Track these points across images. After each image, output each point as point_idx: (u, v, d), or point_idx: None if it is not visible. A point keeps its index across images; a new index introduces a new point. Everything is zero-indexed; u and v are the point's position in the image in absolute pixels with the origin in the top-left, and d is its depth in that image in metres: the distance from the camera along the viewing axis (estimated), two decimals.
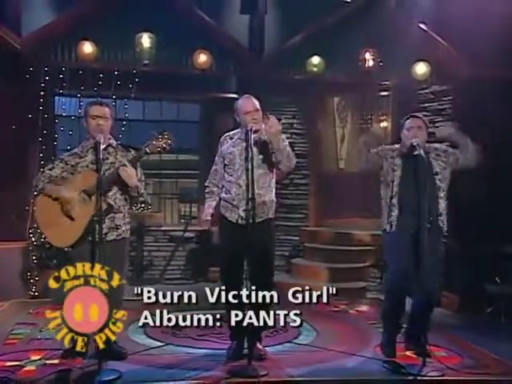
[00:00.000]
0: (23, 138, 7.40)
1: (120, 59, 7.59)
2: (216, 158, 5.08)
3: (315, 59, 7.87)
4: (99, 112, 4.75)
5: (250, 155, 4.62)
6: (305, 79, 8.07)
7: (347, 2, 8.19)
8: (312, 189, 8.95)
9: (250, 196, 4.55)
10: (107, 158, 4.81)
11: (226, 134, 5.09)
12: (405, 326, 5.07)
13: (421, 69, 7.88)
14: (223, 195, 4.98)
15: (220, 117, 7.68)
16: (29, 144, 7.42)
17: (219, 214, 5.03)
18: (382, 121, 9.02)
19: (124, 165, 4.69)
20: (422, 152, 4.76)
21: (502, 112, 7.29)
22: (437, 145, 5.14)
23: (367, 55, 7.83)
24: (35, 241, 7.27)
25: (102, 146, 4.74)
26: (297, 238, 8.76)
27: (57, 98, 7.76)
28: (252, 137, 4.67)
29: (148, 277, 8.14)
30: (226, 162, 4.96)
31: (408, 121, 5.01)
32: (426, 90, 8.22)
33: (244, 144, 4.76)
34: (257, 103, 4.91)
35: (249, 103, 4.90)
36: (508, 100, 7.30)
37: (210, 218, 5.04)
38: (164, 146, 4.75)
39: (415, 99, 8.20)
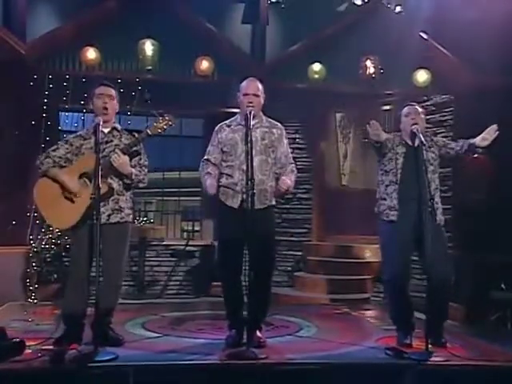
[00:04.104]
0: (26, 146, 7.39)
1: (123, 67, 7.70)
2: (209, 148, 5.00)
3: (317, 66, 7.92)
4: (105, 91, 4.80)
5: (249, 138, 4.60)
6: (307, 90, 8.11)
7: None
8: (315, 204, 8.91)
9: (249, 177, 4.50)
10: (111, 141, 4.82)
11: (222, 123, 5.05)
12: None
13: (422, 79, 7.91)
14: (224, 181, 4.88)
15: None
16: (31, 151, 7.38)
17: (218, 202, 4.95)
18: None
19: (116, 153, 4.67)
20: (421, 138, 4.81)
21: (504, 122, 7.30)
22: (434, 138, 5.21)
23: (368, 63, 7.88)
24: (35, 247, 7.23)
25: (107, 129, 4.81)
26: (300, 252, 8.68)
27: (60, 106, 7.78)
28: (251, 121, 4.66)
29: (150, 291, 8.04)
30: (225, 149, 4.89)
31: (405, 108, 5.09)
32: (428, 103, 8.24)
33: (245, 129, 4.72)
34: (259, 88, 4.88)
35: (250, 86, 4.87)
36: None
37: (215, 190, 4.83)
38: (165, 127, 4.76)
39: None
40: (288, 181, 4.82)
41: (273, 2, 8.45)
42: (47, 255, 7.35)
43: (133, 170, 4.77)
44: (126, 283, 7.27)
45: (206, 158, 4.99)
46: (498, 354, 4.81)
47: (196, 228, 9.31)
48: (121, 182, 4.79)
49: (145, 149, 4.98)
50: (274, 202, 4.92)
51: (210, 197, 4.87)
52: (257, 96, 4.85)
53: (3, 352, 4.29)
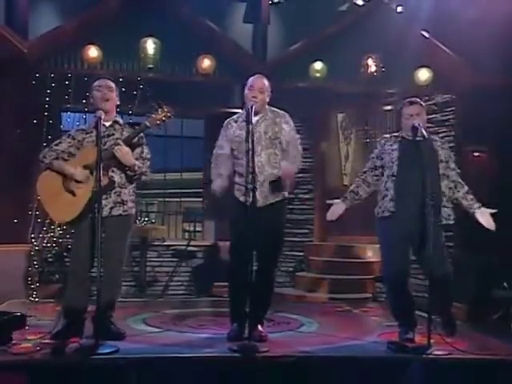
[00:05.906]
0: (28, 145, 7.37)
1: (125, 66, 7.74)
2: (220, 142, 5.00)
3: (318, 65, 7.93)
4: (103, 83, 4.84)
5: (250, 134, 4.58)
6: (308, 89, 8.12)
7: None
8: (316, 204, 8.89)
9: (250, 171, 4.47)
10: (113, 134, 4.84)
11: (230, 118, 5.06)
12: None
13: (424, 77, 7.91)
14: (237, 179, 4.90)
15: None
16: (33, 150, 7.37)
17: (232, 197, 4.94)
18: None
19: (118, 144, 4.69)
20: (424, 132, 4.74)
21: (505, 121, 7.32)
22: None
23: (370, 62, 7.89)
24: (37, 245, 7.23)
25: (108, 123, 4.83)
26: (301, 253, 8.65)
27: (62, 105, 7.78)
28: (252, 116, 4.64)
29: (151, 292, 8.02)
30: (233, 146, 4.90)
31: (406, 109, 4.95)
32: (429, 102, 8.22)
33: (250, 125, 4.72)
34: (265, 85, 4.89)
35: (256, 81, 4.89)
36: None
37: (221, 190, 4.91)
38: (163, 118, 4.78)
39: None
40: (287, 169, 4.74)
41: (274, 3, 8.49)
42: (48, 255, 7.34)
43: (136, 162, 4.78)
44: (127, 283, 7.26)
45: (219, 152, 4.99)
46: (500, 348, 4.81)
47: (198, 228, 9.30)
48: (123, 175, 4.80)
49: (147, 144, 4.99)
50: (287, 195, 4.94)
51: (215, 197, 4.95)
52: (261, 92, 4.86)
53: (5, 325, 4.42)
